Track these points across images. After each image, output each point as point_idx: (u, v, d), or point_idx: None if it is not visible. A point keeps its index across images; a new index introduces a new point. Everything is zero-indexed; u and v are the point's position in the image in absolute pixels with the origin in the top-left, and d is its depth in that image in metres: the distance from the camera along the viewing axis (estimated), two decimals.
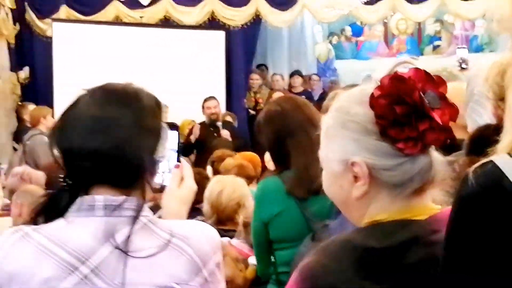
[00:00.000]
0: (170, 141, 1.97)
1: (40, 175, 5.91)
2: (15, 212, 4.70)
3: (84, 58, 11.02)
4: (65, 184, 1.75)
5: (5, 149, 10.52)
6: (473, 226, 1.22)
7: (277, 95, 10.01)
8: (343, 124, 1.57)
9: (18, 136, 9.94)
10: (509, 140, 1.19)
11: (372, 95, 1.50)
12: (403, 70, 1.55)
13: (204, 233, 1.78)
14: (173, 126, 2.03)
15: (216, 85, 11.69)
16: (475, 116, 3.23)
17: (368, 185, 1.53)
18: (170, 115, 10.68)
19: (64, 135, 1.73)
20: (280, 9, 12.04)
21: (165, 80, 11.18)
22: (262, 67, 13.75)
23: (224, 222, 4.55)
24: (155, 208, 2.10)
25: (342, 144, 1.56)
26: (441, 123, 1.45)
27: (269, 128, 3.36)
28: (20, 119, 10.54)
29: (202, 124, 10.24)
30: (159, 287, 1.66)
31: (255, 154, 6.81)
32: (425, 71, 1.50)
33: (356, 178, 1.55)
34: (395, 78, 1.48)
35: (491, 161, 1.20)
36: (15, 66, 11.40)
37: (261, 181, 3.52)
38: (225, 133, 9.94)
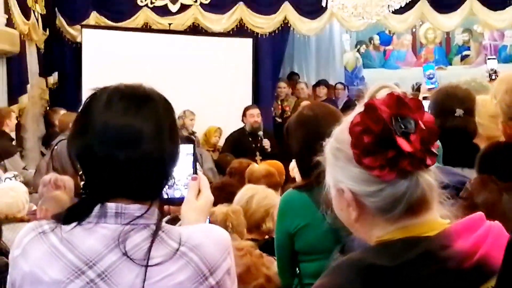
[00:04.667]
0: (187, 154, 2.03)
1: (71, 181, 5.94)
2: (40, 218, 4.73)
3: (113, 64, 11.05)
4: (85, 193, 1.79)
5: (32, 154, 10.59)
6: None
7: (305, 103, 9.98)
8: (334, 152, 1.64)
9: (47, 141, 9.99)
10: None
11: (351, 123, 1.55)
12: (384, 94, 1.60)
13: (214, 239, 1.81)
14: (189, 139, 2.08)
15: (243, 93, 11.71)
16: None
17: (359, 210, 1.59)
18: (196, 122, 10.78)
19: (86, 144, 1.75)
20: (309, 18, 12.04)
21: (192, 87, 11.22)
22: (295, 77, 13.72)
23: (250, 229, 4.54)
24: (175, 220, 2.13)
25: (333, 171, 1.64)
26: (408, 150, 1.49)
27: (301, 132, 3.31)
28: (50, 124, 10.58)
29: (241, 131, 10.30)
30: None
31: (279, 162, 6.83)
32: (398, 97, 1.53)
33: (348, 203, 1.60)
34: (366, 106, 1.53)
35: None
36: (44, 72, 11.47)
37: (285, 193, 3.49)
38: (266, 142, 9.99)
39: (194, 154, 2.09)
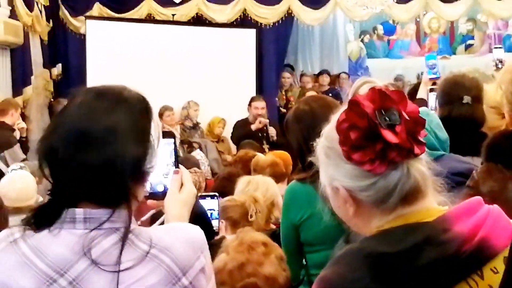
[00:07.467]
0: (167, 149, 2.05)
1: None
2: None
3: (117, 55, 11.07)
4: (52, 197, 1.78)
5: None
6: None
7: (310, 93, 10.02)
8: (325, 151, 1.66)
9: None
10: None
11: (337, 121, 1.58)
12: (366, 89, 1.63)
13: (186, 239, 1.79)
14: (168, 134, 2.09)
15: (247, 84, 11.70)
16: None
17: (355, 205, 1.62)
18: (200, 113, 10.80)
19: (52, 146, 1.74)
20: (312, 7, 12.01)
21: (196, 78, 11.21)
22: (289, 68, 13.72)
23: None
24: (159, 214, 2.14)
25: (327, 170, 1.67)
26: (394, 141, 1.51)
27: (298, 127, 3.33)
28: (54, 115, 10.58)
29: (246, 120, 10.39)
30: None
31: (286, 153, 6.81)
32: (380, 90, 1.56)
33: (344, 200, 1.63)
34: (350, 103, 1.56)
35: None
36: (48, 63, 11.49)
37: (289, 185, 3.50)
38: (272, 130, 10.11)
39: (175, 148, 2.10)
